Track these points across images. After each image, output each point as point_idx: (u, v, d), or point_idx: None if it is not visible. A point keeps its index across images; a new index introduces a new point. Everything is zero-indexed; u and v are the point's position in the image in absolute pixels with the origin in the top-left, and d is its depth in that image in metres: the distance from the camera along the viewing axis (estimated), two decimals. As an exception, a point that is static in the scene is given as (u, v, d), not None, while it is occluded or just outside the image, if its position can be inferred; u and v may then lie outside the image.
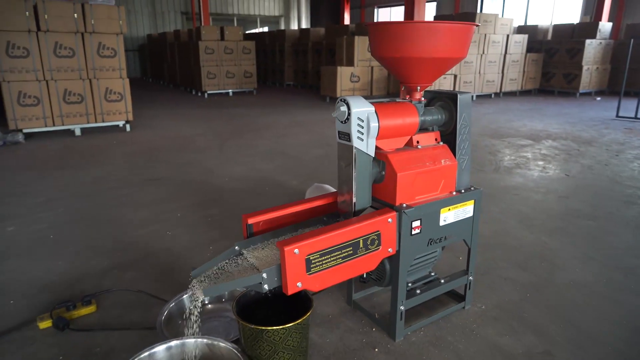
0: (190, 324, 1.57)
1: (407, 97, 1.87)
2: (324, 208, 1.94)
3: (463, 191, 1.93)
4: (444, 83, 9.92)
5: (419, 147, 1.85)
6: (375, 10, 21.11)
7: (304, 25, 20.47)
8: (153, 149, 5.53)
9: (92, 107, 6.34)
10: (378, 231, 1.65)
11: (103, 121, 6.49)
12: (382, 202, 1.81)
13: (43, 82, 5.91)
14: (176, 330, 1.89)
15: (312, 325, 1.99)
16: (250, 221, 1.77)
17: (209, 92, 11.18)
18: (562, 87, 11.55)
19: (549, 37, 12.36)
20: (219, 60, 11.09)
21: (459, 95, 1.86)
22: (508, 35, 10.92)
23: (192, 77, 11.67)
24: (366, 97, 1.71)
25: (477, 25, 1.76)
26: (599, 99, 10.79)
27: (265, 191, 3.90)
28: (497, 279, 2.42)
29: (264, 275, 1.45)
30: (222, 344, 1.60)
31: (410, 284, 1.99)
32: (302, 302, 1.70)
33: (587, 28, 11.38)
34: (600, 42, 11.16)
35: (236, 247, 1.70)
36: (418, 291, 1.95)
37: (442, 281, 2.04)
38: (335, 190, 2.10)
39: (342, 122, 1.68)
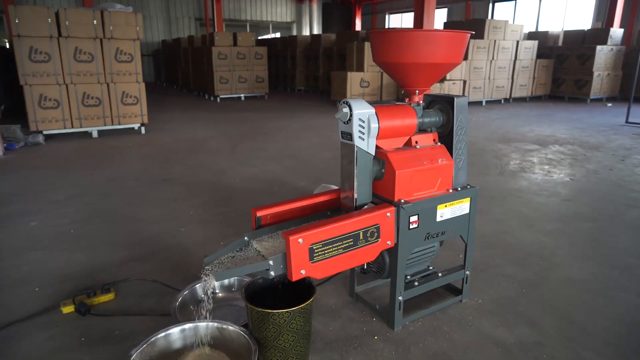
0: (204, 305, 1.70)
1: (407, 100, 2.00)
2: (328, 203, 2.06)
3: (459, 189, 2.04)
4: (453, 89, 9.99)
5: (418, 147, 1.97)
6: (387, 16, 21.19)
7: (315, 32, 20.66)
8: (167, 151, 5.71)
9: (109, 110, 6.57)
10: (377, 224, 1.77)
11: (119, 124, 6.72)
12: (382, 198, 1.93)
13: (63, 85, 6.15)
14: (189, 317, 2.02)
15: (316, 314, 2.11)
16: (259, 214, 1.90)
17: (221, 96, 11.40)
18: (572, 93, 11.55)
19: (560, 43, 12.37)
20: (232, 65, 11.31)
21: (455, 99, 1.97)
22: (518, 42, 10.97)
23: (205, 81, 11.91)
24: (375, 102, 1.84)
25: (471, 33, 1.88)
26: (610, 105, 10.77)
27: (275, 191, 4.04)
28: (495, 276, 2.52)
29: (271, 262, 1.58)
30: (231, 328, 1.73)
31: (409, 277, 2.10)
32: (306, 290, 1.82)
33: (598, 34, 11.39)
34: (612, 49, 11.16)
35: (245, 238, 1.83)
36: (416, 283, 2.06)
37: (440, 275, 2.15)
38: (340, 189, 2.22)
39: (344, 122, 1.80)
